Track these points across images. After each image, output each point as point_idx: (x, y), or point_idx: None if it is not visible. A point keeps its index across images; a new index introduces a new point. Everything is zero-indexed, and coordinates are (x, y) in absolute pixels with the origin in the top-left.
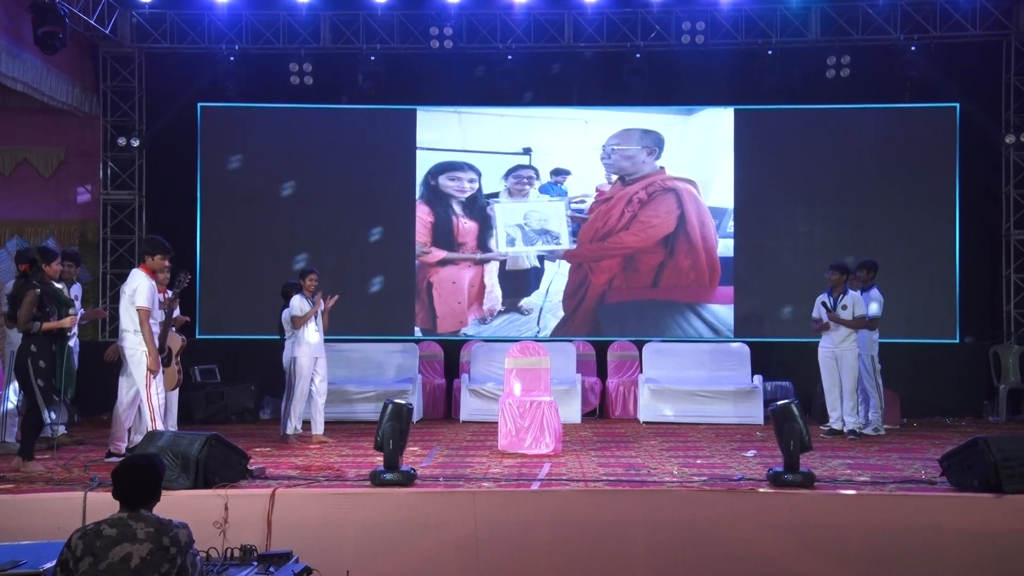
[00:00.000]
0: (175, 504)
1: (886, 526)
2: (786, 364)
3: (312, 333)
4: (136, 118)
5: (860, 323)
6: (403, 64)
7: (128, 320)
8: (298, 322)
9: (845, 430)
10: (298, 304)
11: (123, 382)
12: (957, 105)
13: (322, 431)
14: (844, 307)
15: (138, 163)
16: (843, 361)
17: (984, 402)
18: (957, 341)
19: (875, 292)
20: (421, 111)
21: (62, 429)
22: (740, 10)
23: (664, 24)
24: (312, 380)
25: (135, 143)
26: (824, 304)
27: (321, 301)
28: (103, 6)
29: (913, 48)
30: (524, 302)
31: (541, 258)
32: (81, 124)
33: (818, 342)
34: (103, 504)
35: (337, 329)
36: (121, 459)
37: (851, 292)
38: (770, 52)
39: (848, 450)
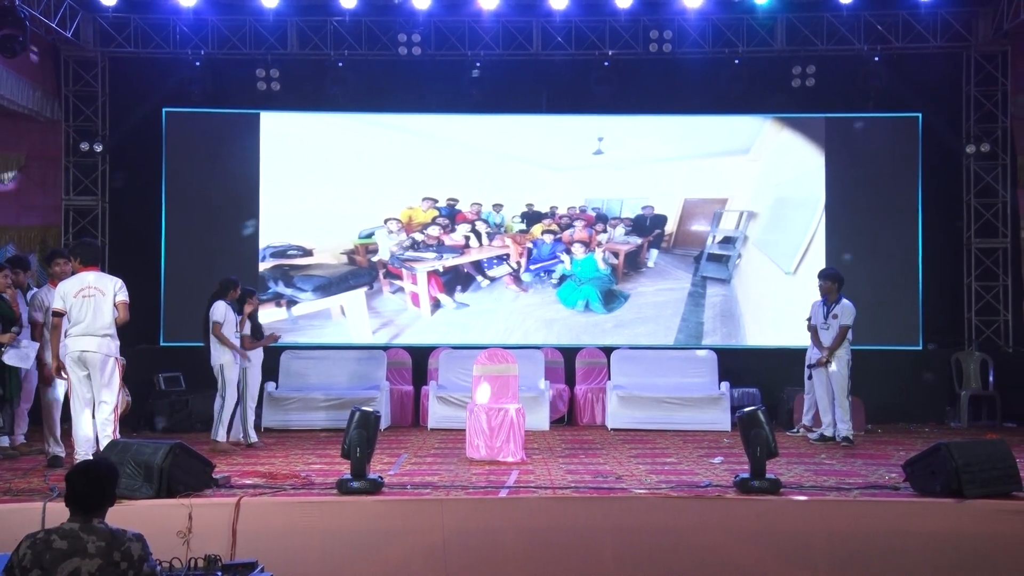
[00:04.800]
0: (138, 513)
1: (851, 531)
2: (753, 371)
3: (234, 340)
4: (99, 123)
5: (841, 338)
6: (371, 71)
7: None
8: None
9: (838, 437)
10: (222, 312)
11: (85, 385)
12: (920, 115)
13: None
14: (835, 316)
15: (101, 168)
16: (835, 369)
17: (946, 408)
18: (920, 348)
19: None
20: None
21: (21, 438)
22: (707, 19)
23: (632, 33)
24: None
25: (98, 148)
26: (816, 327)
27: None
28: (65, 9)
29: (876, 59)
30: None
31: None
32: (42, 128)
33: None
34: (63, 515)
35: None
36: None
37: (844, 301)
38: (737, 61)
39: (813, 456)
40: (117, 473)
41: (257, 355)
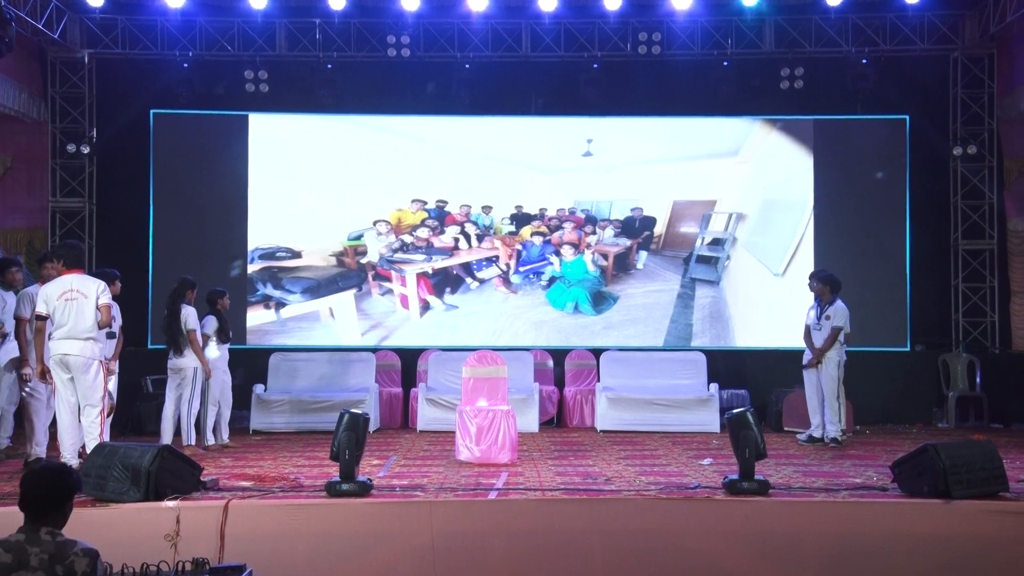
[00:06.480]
0: (125, 517)
1: (839, 533)
2: (742, 372)
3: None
4: (86, 125)
5: (831, 340)
6: (360, 72)
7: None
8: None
9: (826, 438)
10: (196, 318)
11: (69, 388)
12: (907, 117)
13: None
14: (828, 317)
15: (88, 170)
16: (823, 370)
17: (934, 409)
18: (908, 349)
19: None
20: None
21: (7, 441)
22: (696, 21)
23: (621, 34)
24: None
25: (85, 150)
26: (808, 327)
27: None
28: (51, 10)
29: (864, 61)
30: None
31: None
32: (29, 130)
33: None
34: None
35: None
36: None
37: (838, 303)
38: (726, 63)
39: (802, 457)
40: (76, 482)
41: (223, 356)
